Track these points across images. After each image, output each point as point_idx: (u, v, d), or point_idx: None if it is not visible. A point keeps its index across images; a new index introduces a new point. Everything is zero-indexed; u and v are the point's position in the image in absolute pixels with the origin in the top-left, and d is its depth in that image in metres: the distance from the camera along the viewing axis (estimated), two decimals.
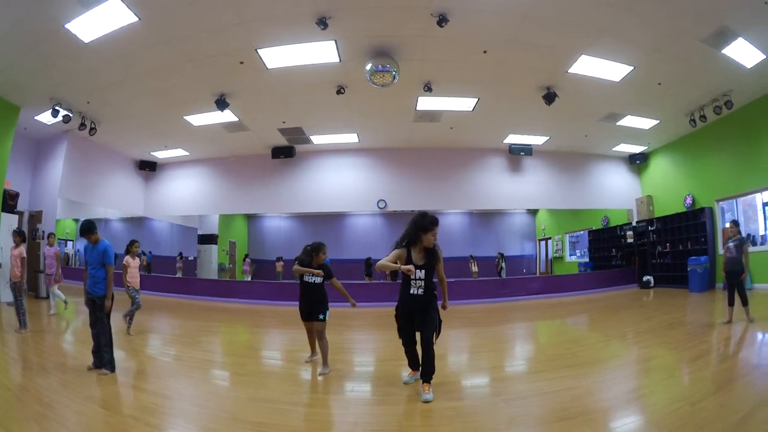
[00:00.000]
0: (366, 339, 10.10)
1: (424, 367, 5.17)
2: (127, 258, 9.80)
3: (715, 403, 4.42)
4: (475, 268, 20.85)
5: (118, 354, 6.69)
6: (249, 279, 21.80)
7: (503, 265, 21.96)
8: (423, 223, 5.34)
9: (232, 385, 6.15)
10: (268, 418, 4.53)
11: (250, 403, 5.00)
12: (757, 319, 9.01)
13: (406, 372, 5.91)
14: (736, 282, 9.17)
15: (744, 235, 13.66)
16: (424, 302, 5.36)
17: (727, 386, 5.01)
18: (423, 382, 5.15)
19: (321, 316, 6.51)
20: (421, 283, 5.32)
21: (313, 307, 6.57)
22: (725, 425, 3.87)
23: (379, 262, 5.38)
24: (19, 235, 9.73)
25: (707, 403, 4.43)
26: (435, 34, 10.38)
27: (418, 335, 5.42)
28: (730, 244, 9.55)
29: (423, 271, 5.32)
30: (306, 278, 6.61)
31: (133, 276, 9.84)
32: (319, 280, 6.62)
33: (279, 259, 21.64)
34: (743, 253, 9.22)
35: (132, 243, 9.96)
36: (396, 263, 5.33)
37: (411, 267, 5.19)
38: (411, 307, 5.42)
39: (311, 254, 6.74)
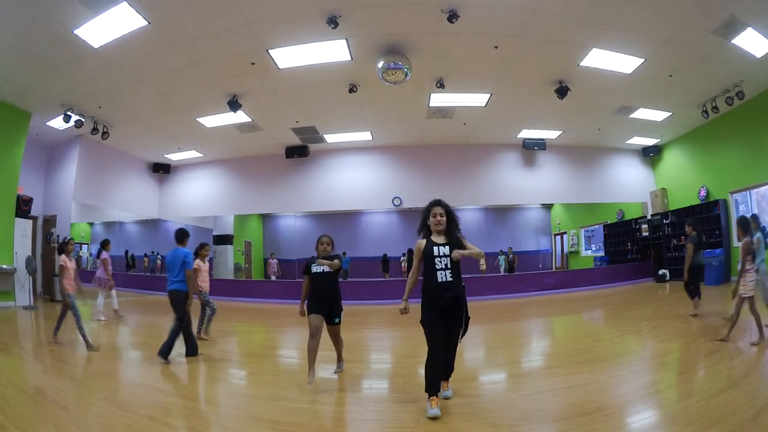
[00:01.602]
0: (383, 336, 10.14)
1: (445, 366, 4.87)
2: (197, 261, 9.20)
3: (730, 398, 4.42)
4: (483, 266, 20.88)
5: (136, 354, 6.75)
6: (275, 279, 21.79)
7: (501, 261, 21.95)
8: (427, 209, 5.05)
9: (250, 384, 6.20)
10: (286, 417, 4.57)
11: (268, 402, 5.04)
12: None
13: (418, 394, 4.93)
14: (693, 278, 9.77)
15: (761, 228, 13.65)
16: (456, 293, 4.65)
17: (743, 380, 5.01)
18: (441, 380, 4.87)
19: (337, 320, 5.99)
20: (447, 261, 4.69)
21: (329, 307, 5.90)
22: (741, 420, 3.88)
23: (409, 277, 5.13)
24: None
25: (723, 398, 4.43)
26: (446, 31, 10.35)
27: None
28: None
29: (446, 247, 4.77)
30: (313, 268, 5.94)
31: (204, 280, 9.43)
32: (327, 269, 5.88)
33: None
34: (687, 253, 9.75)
35: (202, 246, 9.61)
36: (418, 268, 4.99)
37: (405, 308, 4.91)
38: (443, 300, 4.61)
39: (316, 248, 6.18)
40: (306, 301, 6.03)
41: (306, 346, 5.84)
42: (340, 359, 6.32)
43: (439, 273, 4.68)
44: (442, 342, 4.61)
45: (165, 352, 7.01)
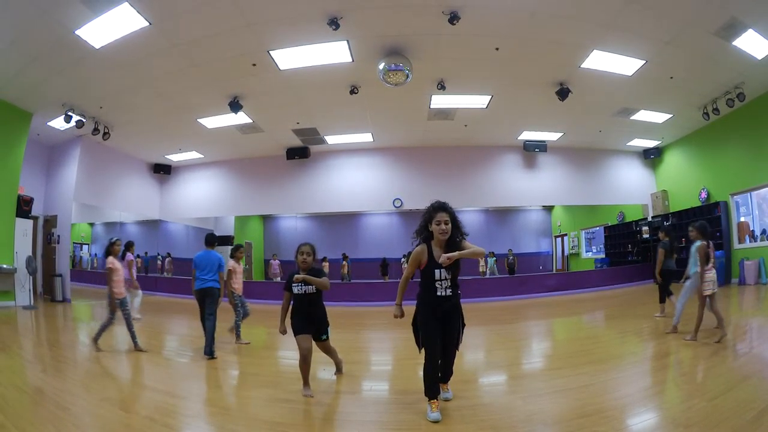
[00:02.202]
0: (382, 338, 10.14)
1: (443, 369, 4.77)
2: (232, 263, 9.46)
3: (731, 400, 4.41)
4: (483, 268, 20.85)
5: (136, 357, 6.77)
6: (279, 280, 21.64)
7: (490, 263, 21.87)
8: (429, 212, 4.69)
9: (250, 386, 6.19)
10: (287, 418, 4.56)
11: (268, 403, 5.03)
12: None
13: (418, 396, 4.79)
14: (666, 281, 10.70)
15: (759, 228, 13.81)
16: (453, 305, 4.63)
17: (744, 382, 4.99)
18: (440, 383, 4.79)
19: (324, 337, 5.68)
20: (447, 283, 4.55)
21: (314, 326, 5.56)
22: (741, 422, 3.87)
23: (401, 280, 4.94)
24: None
25: (724, 399, 4.42)
26: (447, 32, 10.35)
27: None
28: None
29: (449, 271, 4.57)
30: (294, 289, 5.45)
31: (238, 282, 9.55)
32: (311, 289, 5.44)
33: (324, 259, 21.63)
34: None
35: (237, 248, 9.82)
36: (411, 275, 4.87)
37: (399, 313, 4.85)
38: (440, 311, 4.57)
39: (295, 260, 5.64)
40: (291, 318, 5.52)
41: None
42: (338, 365, 6.20)
43: (438, 290, 4.55)
44: (438, 346, 4.53)
45: (210, 350, 7.50)
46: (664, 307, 10.53)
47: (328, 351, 5.95)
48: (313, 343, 5.51)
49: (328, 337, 5.73)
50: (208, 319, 7.78)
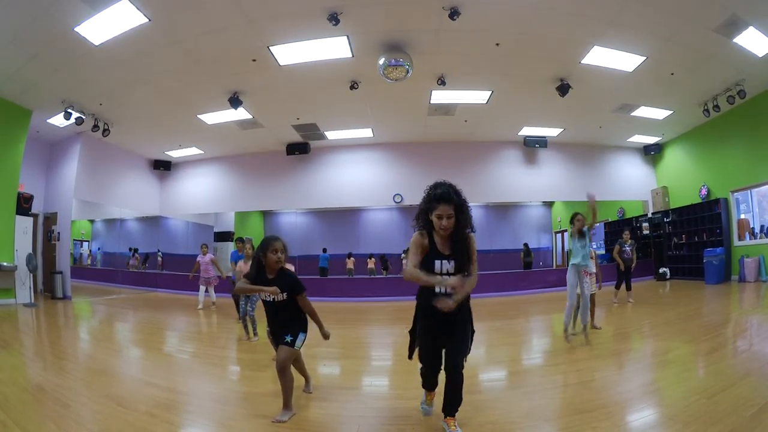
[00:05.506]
0: (384, 333, 10.14)
1: (450, 396, 3.80)
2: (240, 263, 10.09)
3: (731, 396, 4.41)
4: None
5: (135, 352, 6.76)
6: None
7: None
8: (428, 201, 3.88)
9: (250, 381, 6.17)
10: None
11: (268, 399, 5.01)
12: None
13: (419, 392, 4.43)
14: (628, 273, 12.77)
15: (759, 225, 13.94)
16: (456, 308, 3.74)
17: (743, 379, 4.99)
18: (446, 416, 3.84)
19: (289, 338, 4.42)
20: (449, 277, 3.76)
21: (281, 329, 4.54)
22: (741, 418, 3.87)
23: (406, 270, 3.87)
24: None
25: (723, 396, 4.42)
26: (447, 28, 10.37)
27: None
28: (627, 248, 12.86)
29: (451, 262, 3.85)
30: (263, 296, 4.44)
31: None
32: (281, 297, 4.42)
33: (349, 255, 21.62)
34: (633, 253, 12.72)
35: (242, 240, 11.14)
36: (420, 263, 3.87)
37: (454, 281, 3.69)
38: (439, 315, 3.72)
39: (258, 257, 4.51)
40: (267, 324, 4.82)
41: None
42: (286, 403, 4.48)
43: (437, 287, 3.79)
44: (431, 350, 3.98)
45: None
46: (618, 293, 12.97)
47: (283, 368, 4.37)
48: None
49: (293, 343, 4.42)
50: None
